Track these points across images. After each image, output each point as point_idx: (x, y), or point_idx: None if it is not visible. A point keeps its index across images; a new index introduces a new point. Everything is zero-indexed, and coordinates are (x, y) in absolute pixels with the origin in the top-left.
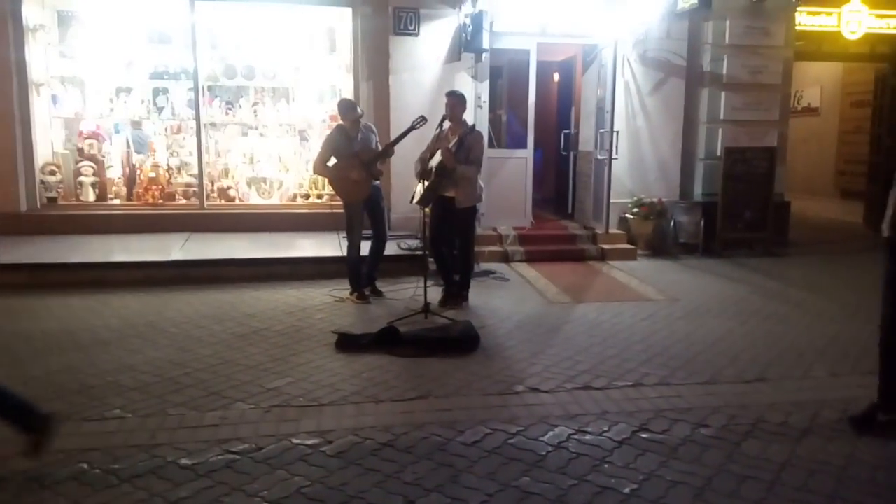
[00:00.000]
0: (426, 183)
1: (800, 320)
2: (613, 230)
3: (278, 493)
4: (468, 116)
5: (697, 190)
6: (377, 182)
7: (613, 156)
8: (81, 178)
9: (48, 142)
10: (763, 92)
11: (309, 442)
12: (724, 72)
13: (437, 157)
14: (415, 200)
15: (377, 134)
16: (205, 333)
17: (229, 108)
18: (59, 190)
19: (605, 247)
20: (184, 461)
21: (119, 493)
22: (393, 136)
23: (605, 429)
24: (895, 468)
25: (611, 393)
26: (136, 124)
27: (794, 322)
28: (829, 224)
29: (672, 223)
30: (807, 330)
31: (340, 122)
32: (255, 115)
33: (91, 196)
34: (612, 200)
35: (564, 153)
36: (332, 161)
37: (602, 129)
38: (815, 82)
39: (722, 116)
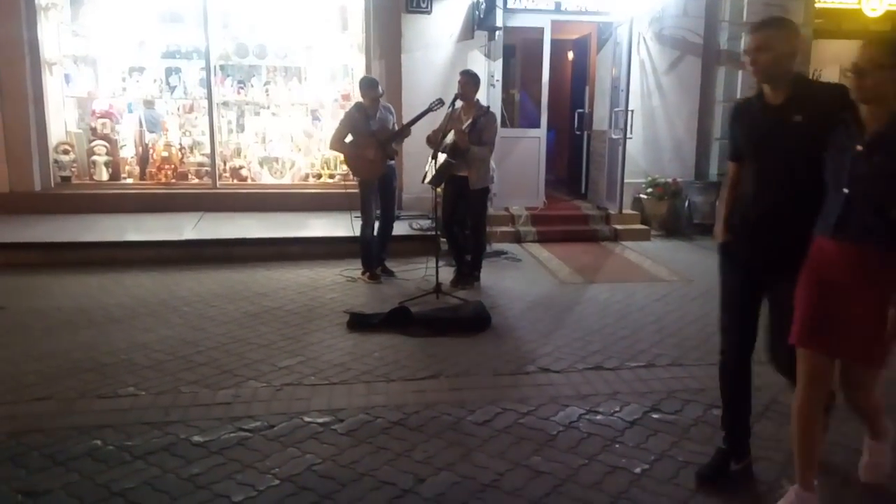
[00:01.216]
0: (438, 163)
1: None
2: (627, 211)
3: (289, 470)
4: (481, 96)
5: (713, 170)
6: (392, 161)
7: (628, 135)
8: (95, 158)
9: (61, 121)
10: None
11: (320, 420)
12: (742, 50)
13: (450, 137)
14: (426, 181)
15: (395, 115)
16: (217, 312)
17: (241, 88)
18: (72, 169)
19: (619, 227)
20: (196, 438)
21: (132, 470)
22: (405, 116)
23: (617, 409)
24: None
25: (622, 373)
26: (149, 104)
27: None
28: None
29: (687, 203)
30: None
31: (357, 100)
32: (267, 95)
33: (104, 175)
34: (625, 180)
35: (578, 133)
36: (349, 138)
37: (616, 108)
38: (835, 61)
39: (739, 95)
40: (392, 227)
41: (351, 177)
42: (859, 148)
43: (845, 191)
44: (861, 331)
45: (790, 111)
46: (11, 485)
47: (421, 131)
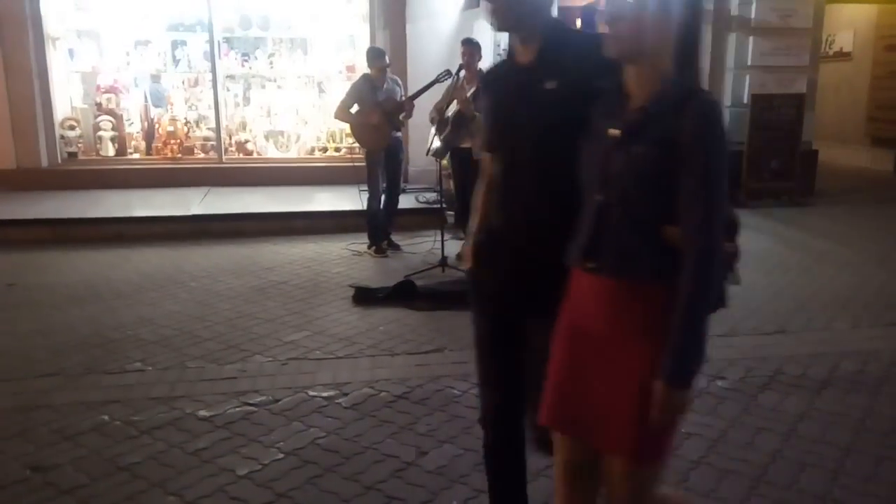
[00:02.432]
0: (441, 134)
1: (824, 271)
2: None
3: (294, 444)
4: (487, 66)
5: None
6: (398, 133)
7: None
8: (101, 133)
9: (66, 96)
10: (793, 36)
11: (325, 394)
12: (753, 15)
13: (454, 107)
14: (430, 152)
15: (402, 87)
16: (223, 287)
17: (245, 60)
18: (78, 145)
19: None
20: (202, 413)
21: (138, 444)
22: (411, 87)
23: None
24: None
25: None
26: (154, 78)
27: (818, 273)
28: (859, 173)
29: None
30: (830, 281)
31: (363, 71)
32: (272, 67)
33: (111, 151)
34: None
35: None
36: (355, 108)
37: None
38: (848, 26)
39: (749, 62)
40: (398, 200)
41: (358, 149)
42: (614, 132)
43: (598, 197)
44: (618, 407)
45: (540, 74)
46: (20, 460)
47: (427, 103)
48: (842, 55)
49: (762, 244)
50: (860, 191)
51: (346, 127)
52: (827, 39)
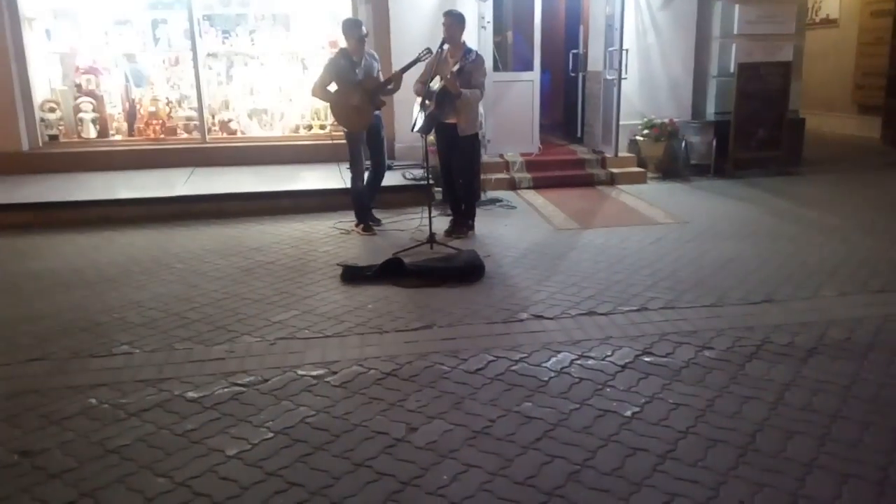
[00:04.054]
0: (426, 110)
1: (811, 240)
2: (623, 153)
3: (283, 423)
4: (471, 39)
5: (710, 109)
6: (378, 112)
7: (623, 75)
8: (81, 115)
9: (45, 78)
10: (779, 4)
11: (314, 373)
12: None
13: (437, 81)
14: (415, 129)
15: (380, 62)
16: (210, 268)
17: (226, 38)
18: (59, 128)
19: (615, 171)
20: (190, 394)
21: (127, 427)
22: (394, 62)
23: (608, 354)
24: None
25: (615, 318)
26: (133, 57)
27: (806, 242)
28: (846, 140)
29: (683, 144)
30: (818, 249)
31: (342, 46)
32: (253, 44)
33: (92, 133)
34: (621, 122)
35: (573, 74)
36: (333, 87)
37: (611, 47)
38: None
39: (735, 31)
40: (382, 178)
41: (337, 126)
42: None
43: None
44: None
45: None
46: (7, 445)
47: (411, 79)
48: (828, 22)
49: (749, 213)
50: (847, 159)
51: (325, 102)
52: (813, 6)
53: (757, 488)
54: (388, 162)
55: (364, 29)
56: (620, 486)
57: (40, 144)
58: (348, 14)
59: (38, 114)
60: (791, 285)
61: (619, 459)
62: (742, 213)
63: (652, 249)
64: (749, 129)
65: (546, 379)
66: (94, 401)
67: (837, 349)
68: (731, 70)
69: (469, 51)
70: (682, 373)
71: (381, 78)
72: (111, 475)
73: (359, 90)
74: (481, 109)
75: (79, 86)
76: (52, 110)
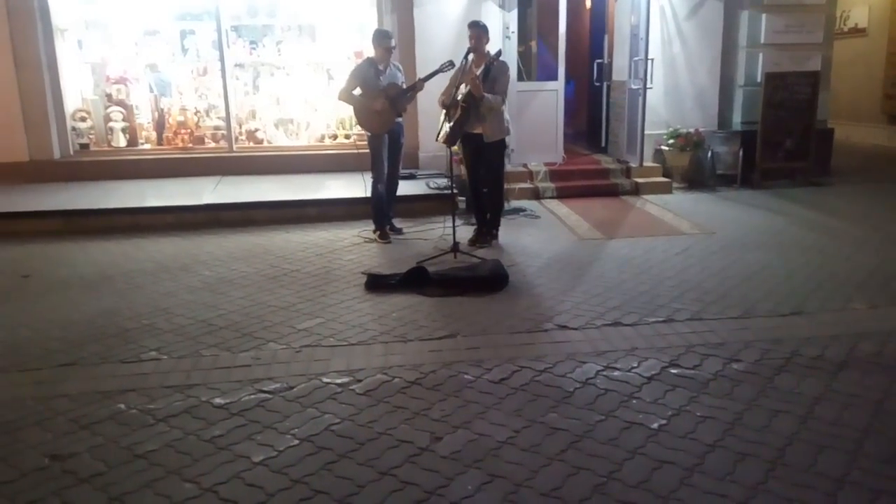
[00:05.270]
0: (451, 121)
1: (840, 252)
2: (648, 163)
3: (308, 430)
4: (496, 49)
5: (736, 119)
6: (400, 119)
7: (648, 85)
8: (112, 124)
9: (77, 88)
10: (806, 13)
11: (339, 381)
12: None
13: (464, 89)
14: (440, 139)
15: (404, 73)
16: (237, 276)
17: (253, 48)
18: (90, 136)
19: (640, 180)
20: (217, 401)
21: (155, 433)
22: (419, 71)
23: (634, 365)
24: None
25: (641, 329)
26: (153, 67)
27: (834, 254)
28: (875, 151)
29: (709, 154)
30: (847, 261)
31: (368, 55)
32: (280, 54)
33: (122, 142)
34: (646, 132)
35: (598, 84)
36: (357, 91)
37: (636, 57)
38: (863, 1)
39: (763, 40)
40: (397, 185)
41: (362, 136)
42: None
43: None
44: None
45: None
46: (39, 448)
47: (435, 89)
48: (857, 31)
49: (777, 224)
50: (876, 169)
51: (350, 107)
52: (841, 15)
53: (786, 503)
54: (410, 171)
55: (393, 41)
56: (647, 500)
57: (71, 153)
58: (374, 25)
59: (69, 123)
60: (820, 297)
61: (646, 472)
62: (769, 224)
63: (678, 260)
64: (776, 140)
65: (571, 390)
66: (122, 406)
67: (868, 363)
68: (758, 79)
69: (493, 55)
70: (710, 385)
71: (404, 87)
72: (139, 480)
73: (381, 96)
74: (507, 115)
75: (109, 95)
76: (82, 119)
